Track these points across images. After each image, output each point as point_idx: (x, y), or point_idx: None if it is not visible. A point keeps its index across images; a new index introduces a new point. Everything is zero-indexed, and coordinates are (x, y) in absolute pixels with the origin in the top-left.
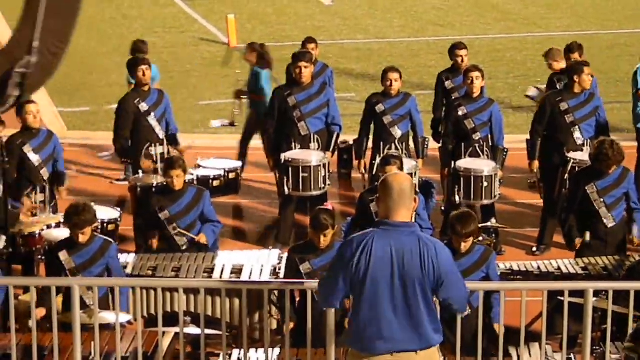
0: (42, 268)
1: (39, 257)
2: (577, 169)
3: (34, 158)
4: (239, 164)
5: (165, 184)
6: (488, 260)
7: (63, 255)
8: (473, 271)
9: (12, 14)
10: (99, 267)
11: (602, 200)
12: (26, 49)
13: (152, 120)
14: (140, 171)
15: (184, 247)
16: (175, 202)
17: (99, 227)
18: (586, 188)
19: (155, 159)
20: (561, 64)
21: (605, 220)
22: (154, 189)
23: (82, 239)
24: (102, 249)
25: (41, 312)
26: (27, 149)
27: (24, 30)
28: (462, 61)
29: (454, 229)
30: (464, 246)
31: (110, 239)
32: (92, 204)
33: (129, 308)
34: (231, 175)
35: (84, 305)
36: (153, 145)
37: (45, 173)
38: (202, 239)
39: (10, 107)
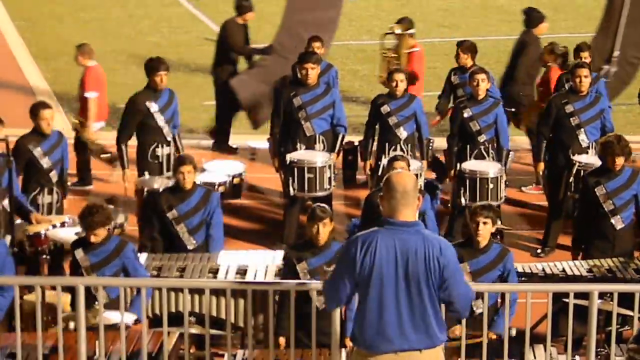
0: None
1: (44, 256)
2: (582, 172)
3: (44, 161)
4: (242, 168)
5: (170, 184)
6: (504, 259)
7: (79, 254)
8: (490, 269)
9: (16, 13)
10: (114, 267)
11: (611, 201)
12: (606, 57)
13: (160, 121)
14: (145, 172)
15: (191, 248)
16: (184, 201)
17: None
18: (595, 189)
19: (161, 159)
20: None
21: (613, 222)
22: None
23: (95, 239)
24: (117, 249)
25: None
26: (38, 152)
27: (604, 39)
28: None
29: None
30: (482, 234)
31: (126, 239)
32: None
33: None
34: (235, 181)
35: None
36: (160, 146)
37: (54, 176)
38: None
39: None
